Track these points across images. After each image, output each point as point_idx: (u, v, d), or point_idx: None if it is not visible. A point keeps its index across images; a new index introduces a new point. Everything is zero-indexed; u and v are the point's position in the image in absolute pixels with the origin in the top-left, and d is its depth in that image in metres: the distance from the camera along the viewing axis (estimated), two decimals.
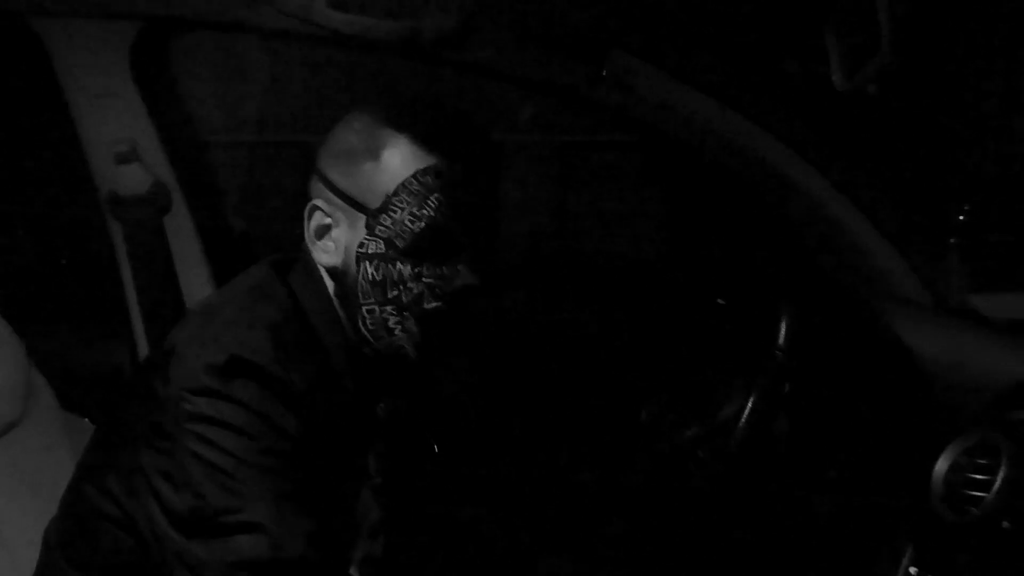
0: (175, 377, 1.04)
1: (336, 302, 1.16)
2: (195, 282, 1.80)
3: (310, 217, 1.15)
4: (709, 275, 1.96)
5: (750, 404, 1.28)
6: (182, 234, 1.79)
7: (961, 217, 1.96)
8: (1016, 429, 1.10)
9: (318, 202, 1.13)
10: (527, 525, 1.51)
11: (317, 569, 1.02)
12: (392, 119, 1.11)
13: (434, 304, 1.11)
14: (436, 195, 1.08)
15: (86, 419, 1.59)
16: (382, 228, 1.09)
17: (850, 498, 1.31)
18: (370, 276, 1.11)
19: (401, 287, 1.10)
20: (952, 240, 1.91)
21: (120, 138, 1.70)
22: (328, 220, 1.13)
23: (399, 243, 1.09)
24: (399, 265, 1.10)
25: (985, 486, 1.09)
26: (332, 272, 1.15)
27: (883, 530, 1.24)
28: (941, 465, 1.15)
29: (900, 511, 1.23)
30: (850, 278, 1.60)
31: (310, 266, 1.17)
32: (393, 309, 1.11)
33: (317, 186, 1.14)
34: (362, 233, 1.11)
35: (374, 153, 1.10)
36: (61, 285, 2.00)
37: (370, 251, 1.10)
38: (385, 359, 1.16)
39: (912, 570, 1.16)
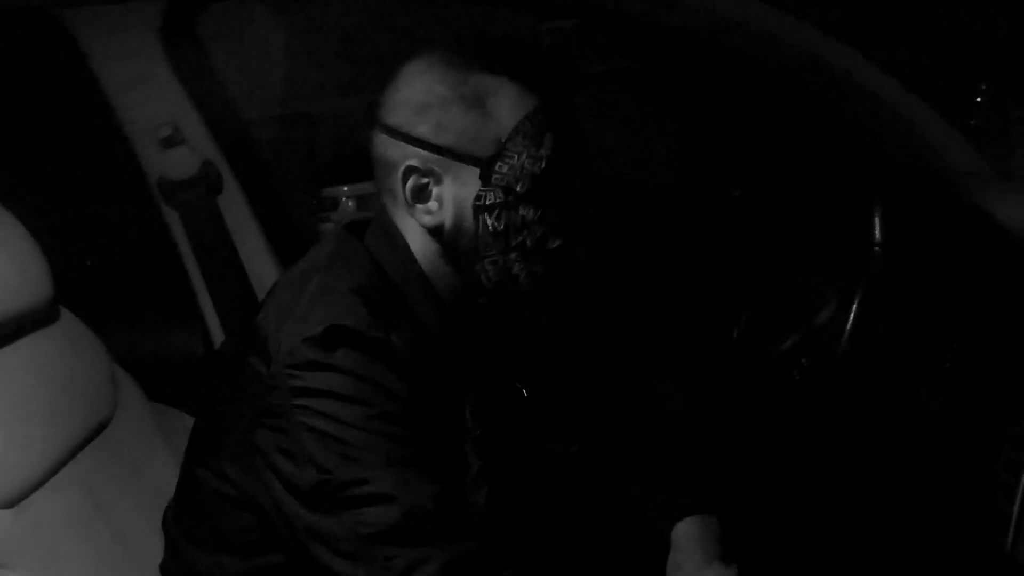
0: (276, 355, 1.03)
1: (438, 260, 1.13)
2: (256, 258, 1.80)
3: (404, 180, 1.10)
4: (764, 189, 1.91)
5: (856, 305, 1.25)
6: (237, 211, 1.78)
7: (979, 99, 1.92)
8: None
9: (411, 162, 1.09)
10: (620, 457, 1.49)
11: (448, 527, 1.01)
12: (483, 63, 1.07)
13: (557, 241, 1.09)
14: (550, 133, 1.06)
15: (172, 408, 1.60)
16: (499, 176, 1.06)
17: (962, 389, 1.29)
18: (491, 227, 1.08)
19: (525, 231, 1.08)
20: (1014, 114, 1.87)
21: (162, 122, 1.70)
22: (425, 179, 1.09)
23: (520, 188, 1.06)
24: (522, 210, 1.07)
25: None
26: (436, 231, 1.11)
27: (1003, 416, 1.21)
28: None
29: (1017, 394, 1.21)
30: (925, 164, 1.55)
31: (386, 226, 1.14)
32: (518, 255, 1.09)
33: (399, 147, 1.09)
34: (475, 185, 1.07)
35: (474, 101, 1.06)
36: (124, 280, 2.00)
37: (488, 202, 1.07)
38: (500, 306, 1.16)
39: None
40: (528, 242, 1.08)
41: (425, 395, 1.08)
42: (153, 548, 1.25)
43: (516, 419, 1.43)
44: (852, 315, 1.25)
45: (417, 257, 1.13)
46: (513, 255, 1.09)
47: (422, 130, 1.07)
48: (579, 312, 1.77)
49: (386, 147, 1.10)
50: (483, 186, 1.07)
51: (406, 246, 1.13)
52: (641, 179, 2.45)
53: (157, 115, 1.70)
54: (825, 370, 1.31)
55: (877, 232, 1.26)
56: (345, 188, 2.71)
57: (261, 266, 1.79)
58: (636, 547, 1.38)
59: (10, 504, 1.15)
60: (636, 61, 2.34)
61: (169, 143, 1.69)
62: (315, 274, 1.11)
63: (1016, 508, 1.16)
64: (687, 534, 1.29)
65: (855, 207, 1.33)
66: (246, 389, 1.06)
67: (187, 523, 1.18)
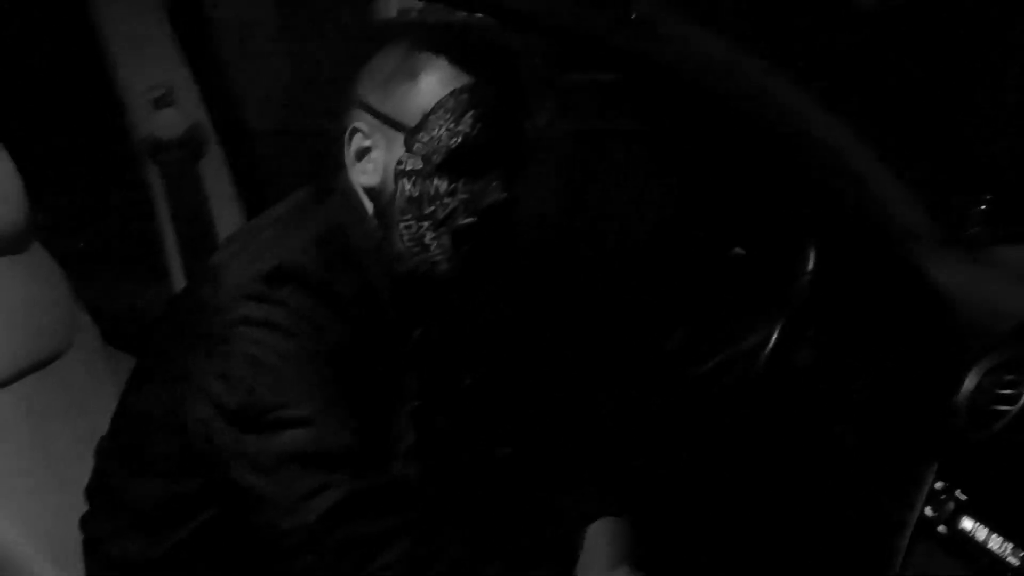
0: (226, 285, 1.08)
1: (374, 221, 1.19)
2: (229, 224, 1.82)
3: (350, 140, 1.18)
4: (725, 227, 1.96)
5: (777, 331, 1.30)
6: (216, 177, 1.82)
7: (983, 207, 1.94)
8: None
9: (358, 125, 1.17)
10: (552, 459, 1.52)
11: (360, 463, 1.06)
12: (427, 43, 1.15)
13: (468, 219, 1.14)
14: (472, 112, 1.12)
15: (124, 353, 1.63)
16: (420, 145, 1.13)
17: (872, 424, 1.34)
18: (407, 192, 1.14)
19: (437, 203, 1.13)
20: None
21: (157, 83, 1.74)
22: (367, 142, 1.17)
23: (436, 159, 1.12)
24: (436, 181, 1.13)
25: (1009, 401, 1.12)
26: (370, 192, 1.18)
27: (906, 452, 1.26)
28: (967, 385, 1.18)
29: (922, 433, 1.26)
30: (872, 220, 1.60)
31: (347, 189, 1.20)
32: (430, 225, 1.14)
33: (356, 112, 1.17)
34: (400, 151, 1.14)
35: (412, 75, 1.13)
36: (98, 228, 2.02)
37: (408, 168, 1.14)
38: (420, 279, 1.19)
39: (938, 484, 1.19)
40: (439, 214, 1.14)
41: (364, 349, 1.13)
42: (82, 476, 1.28)
43: (455, 407, 1.47)
44: (772, 340, 1.31)
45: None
46: (426, 223, 1.14)
47: (371, 98, 1.15)
48: (532, 316, 1.82)
49: (350, 113, 1.18)
50: (405, 152, 1.13)
51: (363, 207, 1.19)
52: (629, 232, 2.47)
53: (153, 75, 1.73)
54: (743, 391, 1.36)
55: (809, 263, 1.32)
56: None
57: (233, 228, 1.81)
58: (551, 546, 1.40)
59: None
60: (638, 121, 2.37)
61: (160, 103, 1.73)
62: (275, 223, 1.18)
63: (905, 543, 1.22)
64: (598, 535, 1.32)
65: (794, 243, 1.39)
66: (190, 316, 1.11)
67: (117, 449, 1.23)
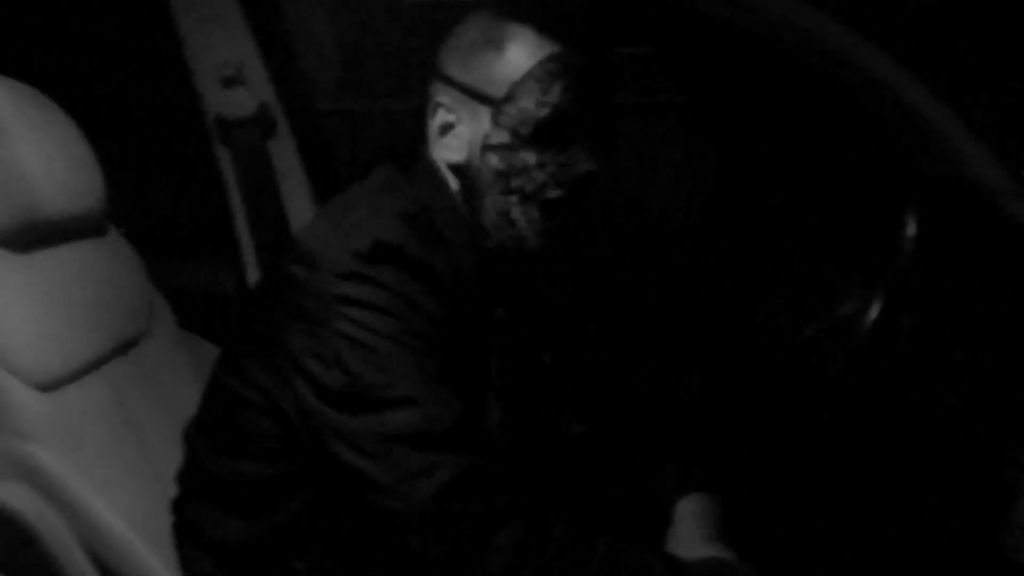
0: (321, 263, 1.06)
1: (459, 198, 1.17)
2: (298, 204, 1.81)
3: (433, 115, 1.16)
4: (802, 197, 1.91)
5: (880, 298, 1.26)
6: (285, 156, 1.80)
7: None
8: None
9: (441, 99, 1.14)
10: (635, 436, 1.49)
11: (465, 442, 1.04)
12: (513, 12, 1.12)
13: (556, 192, 1.11)
14: (560, 81, 1.09)
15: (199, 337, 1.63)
16: (507, 117, 1.10)
17: (978, 389, 1.29)
18: (494, 166, 1.12)
19: (525, 176, 1.11)
20: None
21: (226, 62, 1.73)
22: (451, 117, 1.14)
23: (523, 131, 1.10)
24: (523, 154, 1.10)
25: None
26: (455, 168, 1.16)
27: (1016, 417, 1.22)
28: None
29: None
30: (961, 178, 1.55)
31: (430, 165, 1.18)
32: (517, 199, 1.12)
33: (438, 86, 1.15)
34: (486, 125, 1.12)
35: (497, 45, 1.10)
36: (168, 210, 2.02)
37: (494, 141, 1.11)
38: (506, 257, 1.17)
39: None
40: (527, 187, 1.11)
41: (456, 328, 1.11)
42: (171, 460, 1.28)
43: (536, 386, 1.45)
44: (878, 304, 1.26)
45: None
46: (513, 198, 1.12)
47: (453, 70, 1.13)
48: (610, 294, 1.79)
49: (431, 87, 1.16)
50: (492, 126, 1.11)
51: (447, 184, 1.17)
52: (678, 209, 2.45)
53: (222, 55, 1.72)
54: (843, 360, 1.32)
55: (911, 226, 1.27)
56: None
57: (302, 212, 1.80)
58: (641, 518, 1.38)
59: (45, 389, 1.19)
60: (679, 94, 2.33)
61: (230, 83, 1.72)
62: (365, 198, 1.15)
63: (1020, 507, 1.17)
64: (689, 511, 1.31)
65: (889, 206, 1.34)
66: (284, 296, 1.09)
67: (210, 432, 1.22)
